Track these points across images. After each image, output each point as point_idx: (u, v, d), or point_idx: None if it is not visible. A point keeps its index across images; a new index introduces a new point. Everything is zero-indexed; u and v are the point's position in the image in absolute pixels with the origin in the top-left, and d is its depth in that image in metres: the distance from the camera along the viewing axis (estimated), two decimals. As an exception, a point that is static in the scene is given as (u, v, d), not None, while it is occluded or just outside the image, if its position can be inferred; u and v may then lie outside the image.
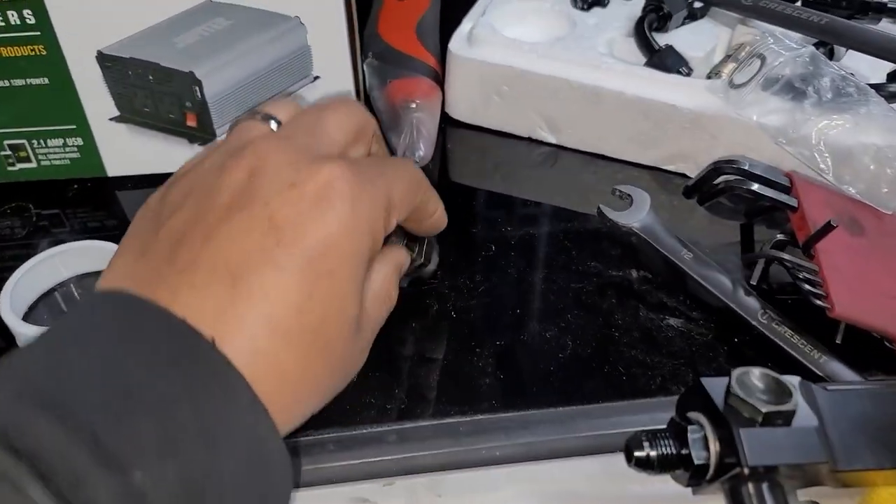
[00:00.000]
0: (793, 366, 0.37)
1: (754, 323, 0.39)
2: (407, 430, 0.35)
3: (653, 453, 0.28)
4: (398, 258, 0.36)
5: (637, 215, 0.42)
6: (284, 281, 0.28)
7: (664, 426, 0.30)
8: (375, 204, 0.31)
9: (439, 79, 0.52)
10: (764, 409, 0.27)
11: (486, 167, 0.50)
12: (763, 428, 0.27)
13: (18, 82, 0.42)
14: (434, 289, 0.41)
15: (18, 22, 0.40)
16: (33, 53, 0.41)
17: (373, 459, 0.34)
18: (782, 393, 0.28)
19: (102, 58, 0.42)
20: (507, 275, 0.42)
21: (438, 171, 0.50)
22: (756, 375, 0.28)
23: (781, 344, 0.38)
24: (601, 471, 0.34)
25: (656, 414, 0.36)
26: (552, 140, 0.51)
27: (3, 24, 0.40)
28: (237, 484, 0.25)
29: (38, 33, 0.41)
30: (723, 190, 0.41)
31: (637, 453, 0.28)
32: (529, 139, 0.51)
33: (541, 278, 0.42)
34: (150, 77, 0.43)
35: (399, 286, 0.36)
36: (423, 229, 0.38)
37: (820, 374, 0.37)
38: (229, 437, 0.25)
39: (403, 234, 0.37)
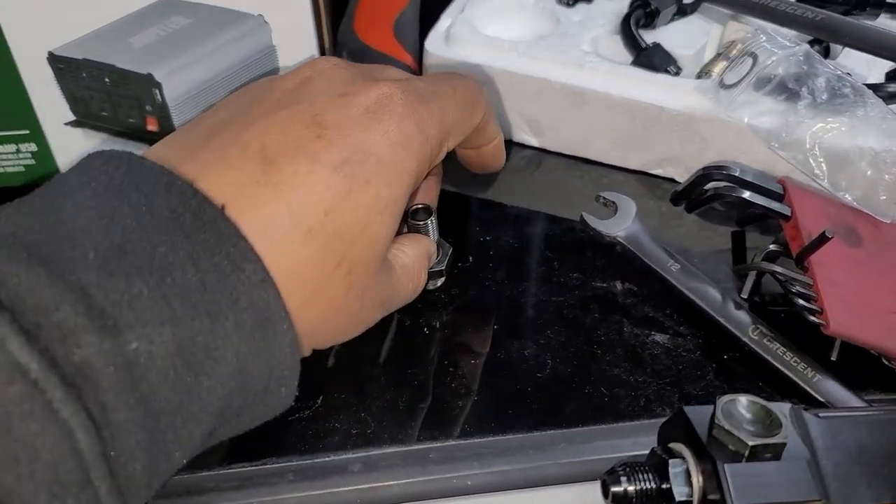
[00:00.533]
0: (785, 385, 0.35)
1: (745, 339, 0.36)
2: (373, 458, 0.33)
3: (631, 488, 0.26)
4: (429, 248, 0.36)
5: (622, 224, 0.40)
6: (317, 174, 0.26)
7: (644, 456, 0.28)
8: (427, 129, 0.30)
9: (417, 79, 0.50)
10: (751, 443, 0.25)
11: (465, 171, 0.48)
12: (750, 463, 0.25)
13: (-34, 86, 0.40)
14: (406, 303, 0.39)
15: (-37, 22, 0.38)
16: (-20, 55, 0.39)
17: (336, 490, 0.32)
18: (771, 423, 0.26)
19: (54, 59, 0.40)
20: (484, 287, 0.40)
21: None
22: (743, 404, 0.26)
23: (773, 361, 0.36)
24: (582, 501, 0.32)
25: (640, 438, 0.33)
26: (535, 143, 0.48)
27: (-54, 24, 0.38)
28: (239, 363, 0.24)
29: (-16, 34, 0.38)
30: (712, 197, 0.39)
31: (614, 488, 0.26)
32: (511, 142, 0.49)
33: (520, 291, 0.40)
34: (107, 79, 0.41)
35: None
36: (481, 159, 0.38)
37: (814, 393, 0.35)
38: (234, 311, 0.23)
39: (437, 234, 0.37)
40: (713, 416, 0.26)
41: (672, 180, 0.46)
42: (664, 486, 0.26)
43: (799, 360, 0.35)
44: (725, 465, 0.25)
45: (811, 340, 0.36)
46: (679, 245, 0.42)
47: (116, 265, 0.22)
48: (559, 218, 0.44)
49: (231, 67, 0.42)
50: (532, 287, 0.40)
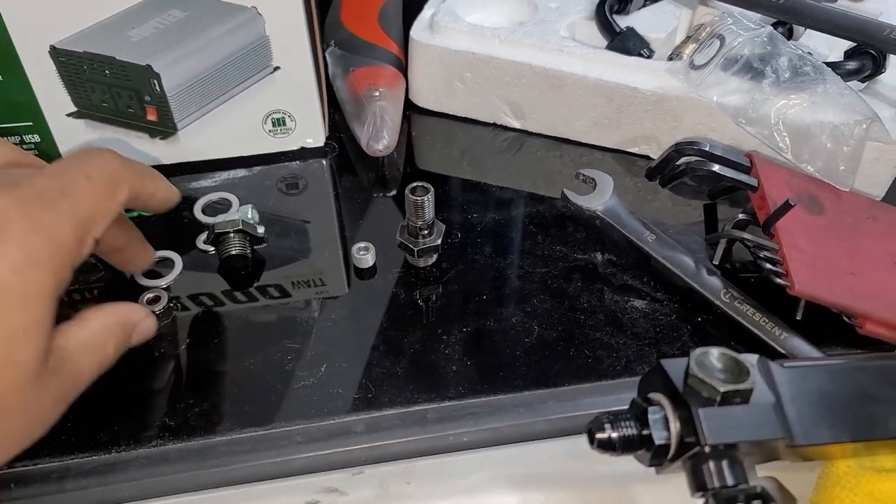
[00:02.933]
0: (755, 343, 0.38)
1: (717, 302, 0.39)
2: (375, 419, 0.35)
3: (614, 435, 0.28)
4: (128, 316, 0.34)
5: (600, 199, 0.43)
6: None
7: (626, 408, 0.30)
8: (57, 235, 0.28)
9: (402, 66, 0.52)
10: (722, 389, 0.27)
11: (451, 154, 0.50)
12: (721, 407, 0.28)
13: (-29, 80, 0.42)
14: (400, 277, 0.41)
15: (-33, 18, 0.39)
16: (-15, 50, 0.41)
17: (341, 449, 0.34)
18: (740, 372, 0.28)
19: (56, 52, 0.41)
20: (473, 261, 0.42)
21: (404, 159, 0.50)
22: (714, 356, 0.29)
23: (743, 322, 0.38)
24: (568, 452, 0.35)
25: (622, 395, 0.36)
26: (517, 125, 0.51)
27: (-49, 20, 0.39)
28: None
29: (-11, 29, 0.40)
30: (684, 171, 0.41)
31: (599, 435, 0.29)
32: (494, 125, 0.51)
33: (507, 263, 0.42)
34: (107, 71, 0.43)
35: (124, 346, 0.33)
36: (153, 208, 0.36)
37: (781, 350, 0.37)
38: None
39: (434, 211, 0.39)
40: (688, 366, 0.28)
41: (647, 157, 0.49)
42: (644, 432, 0.28)
43: (767, 320, 0.38)
44: (699, 410, 0.27)
45: (778, 302, 0.39)
46: (655, 218, 0.45)
47: None
48: (542, 195, 0.47)
49: (227, 57, 0.43)
50: (518, 260, 0.43)
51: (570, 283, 0.41)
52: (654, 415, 0.29)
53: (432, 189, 0.39)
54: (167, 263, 0.42)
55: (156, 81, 0.43)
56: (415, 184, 0.39)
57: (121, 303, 0.34)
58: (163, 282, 0.41)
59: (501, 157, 0.50)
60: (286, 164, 0.49)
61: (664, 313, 0.40)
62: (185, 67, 0.43)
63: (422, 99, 0.52)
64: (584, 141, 0.50)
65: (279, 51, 0.44)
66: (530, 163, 0.49)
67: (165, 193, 0.36)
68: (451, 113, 0.52)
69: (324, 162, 0.49)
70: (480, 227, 0.44)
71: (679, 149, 0.41)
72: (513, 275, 0.42)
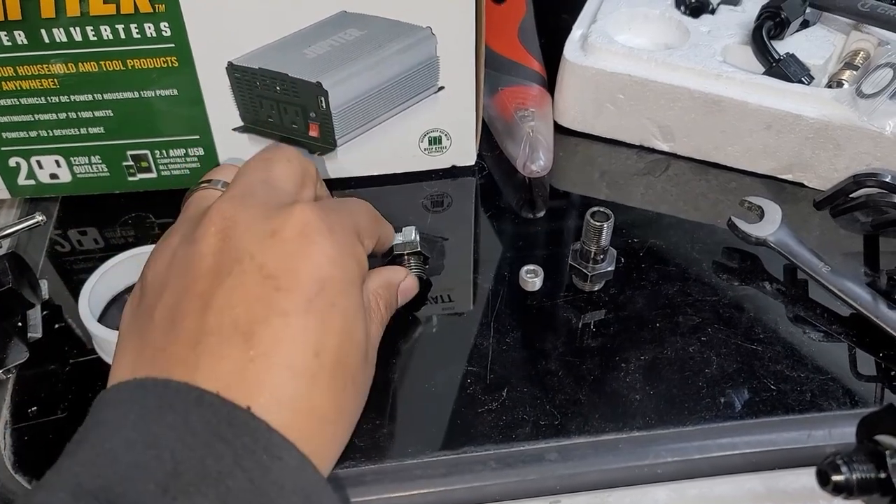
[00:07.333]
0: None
1: (900, 337, 0.38)
2: (567, 447, 0.35)
3: (853, 477, 0.28)
4: (390, 276, 0.37)
5: (770, 227, 0.42)
6: (293, 325, 0.28)
7: (852, 449, 0.30)
8: (349, 232, 0.33)
9: (546, 85, 0.52)
10: (971, 435, 0.27)
11: (595, 175, 0.50)
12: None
13: (148, 94, 0.42)
14: (568, 301, 0.41)
15: (154, 34, 0.40)
16: (165, 65, 0.41)
17: (536, 477, 0.34)
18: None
19: (232, 69, 0.42)
20: (640, 287, 0.42)
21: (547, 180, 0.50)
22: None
23: (930, 359, 0.38)
24: (768, 489, 0.34)
25: (814, 431, 0.36)
26: (664, 148, 0.50)
27: (138, 36, 0.40)
28: None
29: (172, 45, 0.40)
30: (864, 203, 0.41)
31: (835, 477, 0.28)
32: (640, 147, 0.51)
33: (675, 290, 0.42)
34: (278, 87, 0.43)
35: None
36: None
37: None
38: (283, 496, 0.25)
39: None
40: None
41: (801, 184, 0.48)
42: (882, 475, 0.28)
43: (954, 358, 0.37)
44: (946, 456, 0.27)
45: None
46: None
47: (175, 488, 0.24)
48: (699, 221, 0.46)
49: (394, 77, 0.44)
50: (685, 287, 0.42)
51: (741, 312, 0.41)
52: (893, 459, 0.28)
53: (612, 216, 0.39)
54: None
55: (323, 98, 0.43)
56: (595, 209, 0.39)
57: (382, 267, 0.38)
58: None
59: (646, 180, 0.49)
60: (435, 181, 0.49)
61: (845, 347, 0.39)
62: (354, 86, 0.43)
63: (567, 119, 0.51)
64: (734, 166, 0.49)
65: (445, 70, 0.44)
66: (676, 186, 0.49)
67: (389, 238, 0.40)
68: (595, 134, 0.51)
69: (473, 181, 0.49)
70: (643, 253, 0.44)
71: (858, 179, 0.41)
72: (683, 302, 0.41)
